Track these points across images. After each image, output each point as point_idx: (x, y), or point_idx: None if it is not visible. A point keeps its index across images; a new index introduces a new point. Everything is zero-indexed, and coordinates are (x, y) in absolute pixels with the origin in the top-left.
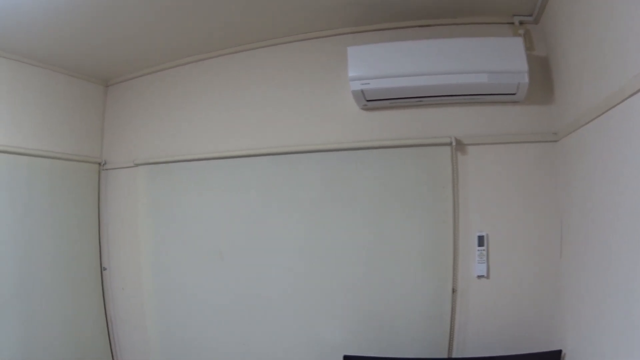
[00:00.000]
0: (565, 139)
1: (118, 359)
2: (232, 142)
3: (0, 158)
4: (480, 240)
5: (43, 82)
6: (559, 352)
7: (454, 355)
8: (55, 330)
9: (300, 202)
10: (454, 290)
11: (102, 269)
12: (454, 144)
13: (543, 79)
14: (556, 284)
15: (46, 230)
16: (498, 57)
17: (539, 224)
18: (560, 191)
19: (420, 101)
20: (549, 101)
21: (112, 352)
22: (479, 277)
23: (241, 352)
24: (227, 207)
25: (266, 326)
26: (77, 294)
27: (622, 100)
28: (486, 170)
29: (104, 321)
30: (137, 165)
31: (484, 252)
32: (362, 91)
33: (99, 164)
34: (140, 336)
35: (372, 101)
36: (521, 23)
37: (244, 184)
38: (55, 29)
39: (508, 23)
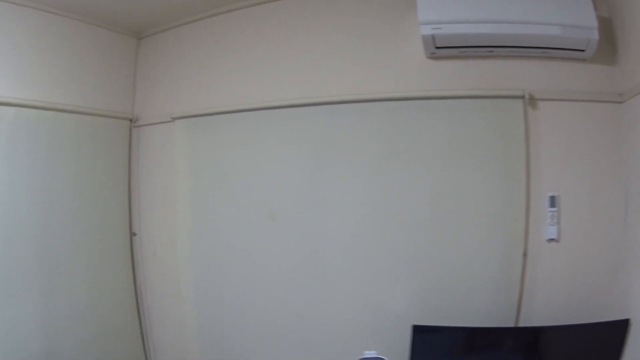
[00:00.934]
0: (630, 101)
1: (147, 330)
2: (284, 92)
3: (21, 112)
4: (552, 201)
5: (70, 34)
6: (626, 321)
7: (521, 324)
8: (78, 300)
9: (360, 156)
10: (524, 254)
11: (132, 234)
12: (527, 97)
13: (607, 39)
14: (623, 250)
15: (70, 191)
16: (569, 11)
17: (606, 187)
18: (626, 153)
19: (491, 52)
20: (614, 62)
21: (141, 323)
22: (550, 240)
23: (294, 325)
24: (278, 162)
25: (322, 295)
26: (104, 261)
27: None
28: (556, 128)
29: (132, 290)
30: (174, 119)
31: (556, 214)
32: (432, 36)
33: (130, 120)
34: (174, 306)
35: (441, 48)
36: None
37: (297, 137)
38: None
39: None
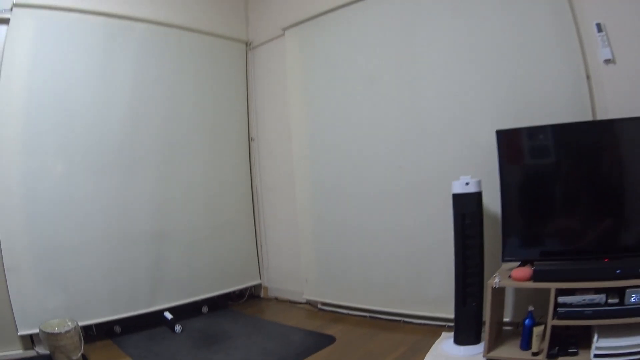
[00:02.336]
0: None
1: (260, 226)
2: None
3: (149, 28)
4: (599, 27)
5: None
6: None
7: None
8: (194, 192)
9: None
10: (588, 77)
11: (250, 139)
12: None
13: None
14: None
15: (192, 99)
16: None
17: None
18: None
19: None
20: None
21: (255, 219)
22: (606, 61)
23: (397, 172)
24: (375, 39)
25: (419, 139)
26: (223, 160)
27: None
28: None
29: (249, 188)
30: (284, 29)
31: (605, 37)
32: None
33: (246, 43)
34: (287, 199)
35: None
36: None
37: (389, 14)
38: None
39: None
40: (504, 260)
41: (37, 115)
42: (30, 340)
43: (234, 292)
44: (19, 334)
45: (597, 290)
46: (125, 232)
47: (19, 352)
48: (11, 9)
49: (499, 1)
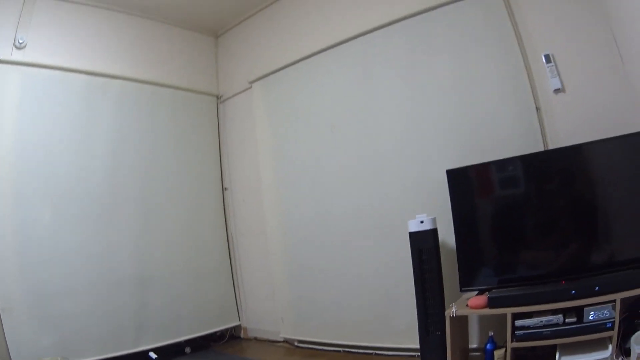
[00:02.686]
0: None
1: (237, 270)
2: (330, 35)
3: (125, 85)
4: (547, 59)
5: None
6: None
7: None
8: (173, 239)
9: (394, 65)
10: (537, 108)
11: (223, 188)
12: None
13: None
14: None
15: (169, 151)
16: None
17: (595, 38)
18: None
19: None
20: None
21: (231, 263)
22: (556, 90)
23: (362, 214)
24: (336, 89)
25: (375, 179)
26: (198, 209)
27: None
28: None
29: (224, 233)
30: (251, 83)
31: (554, 68)
32: None
33: (217, 97)
34: (259, 242)
35: None
36: None
37: (348, 66)
38: None
39: None
40: (461, 291)
41: (26, 168)
42: None
43: (215, 333)
44: None
45: (554, 312)
46: (110, 277)
47: None
48: None
49: (448, 43)
